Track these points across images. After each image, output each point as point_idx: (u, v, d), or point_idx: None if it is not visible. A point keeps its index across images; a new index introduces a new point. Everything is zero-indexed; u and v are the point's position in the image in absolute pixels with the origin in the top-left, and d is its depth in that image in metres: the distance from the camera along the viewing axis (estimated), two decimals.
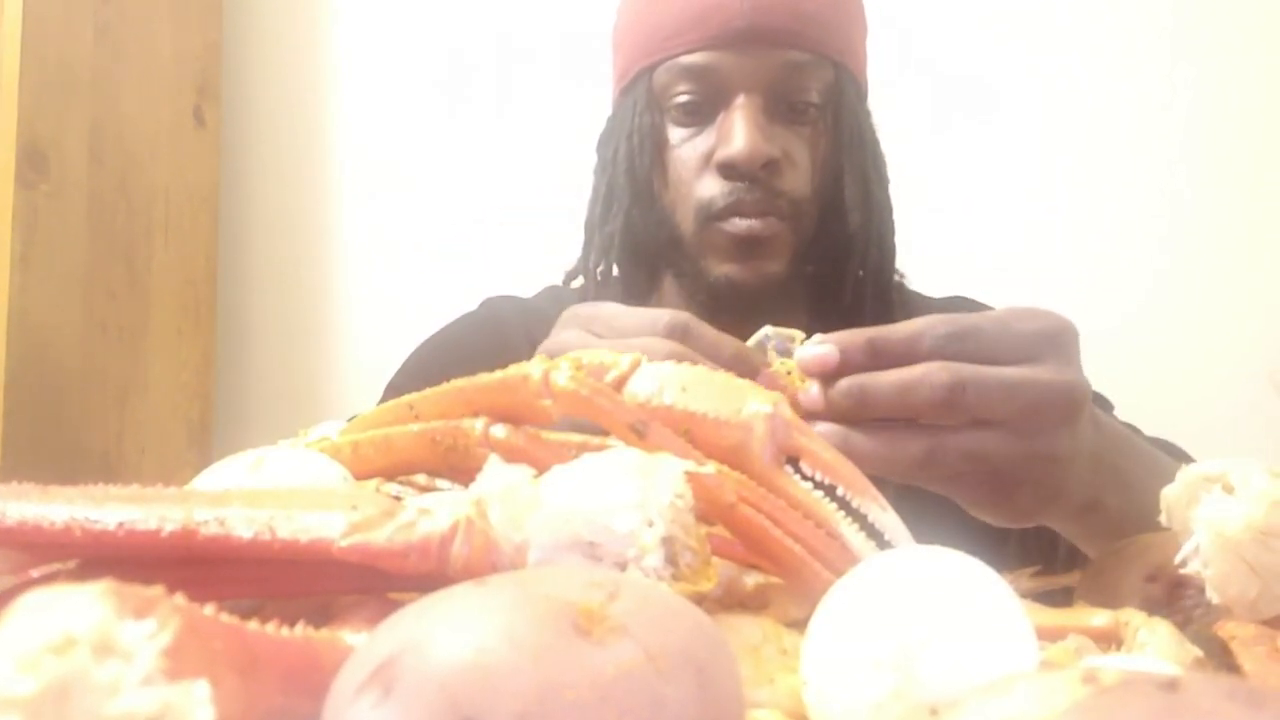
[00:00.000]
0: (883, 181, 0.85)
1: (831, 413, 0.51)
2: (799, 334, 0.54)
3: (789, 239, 0.79)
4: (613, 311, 0.57)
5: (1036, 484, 0.54)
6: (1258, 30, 1.37)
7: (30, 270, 1.36)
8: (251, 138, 1.74)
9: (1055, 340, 0.53)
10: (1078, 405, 0.52)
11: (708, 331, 0.54)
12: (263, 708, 0.21)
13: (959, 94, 1.46)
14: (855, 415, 0.50)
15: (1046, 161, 1.43)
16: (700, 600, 0.29)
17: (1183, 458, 0.62)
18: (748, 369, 0.53)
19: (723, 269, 0.78)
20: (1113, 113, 1.41)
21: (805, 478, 0.39)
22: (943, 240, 1.32)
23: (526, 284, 1.01)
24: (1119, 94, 1.41)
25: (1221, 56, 1.38)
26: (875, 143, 0.86)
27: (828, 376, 0.50)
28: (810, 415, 0.51)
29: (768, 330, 0.54)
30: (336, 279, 1.68)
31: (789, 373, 0.52)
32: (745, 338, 0.55)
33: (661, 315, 0.53)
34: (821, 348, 0.50)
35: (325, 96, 1.71)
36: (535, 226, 1.55)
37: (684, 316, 0.54)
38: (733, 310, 0.65)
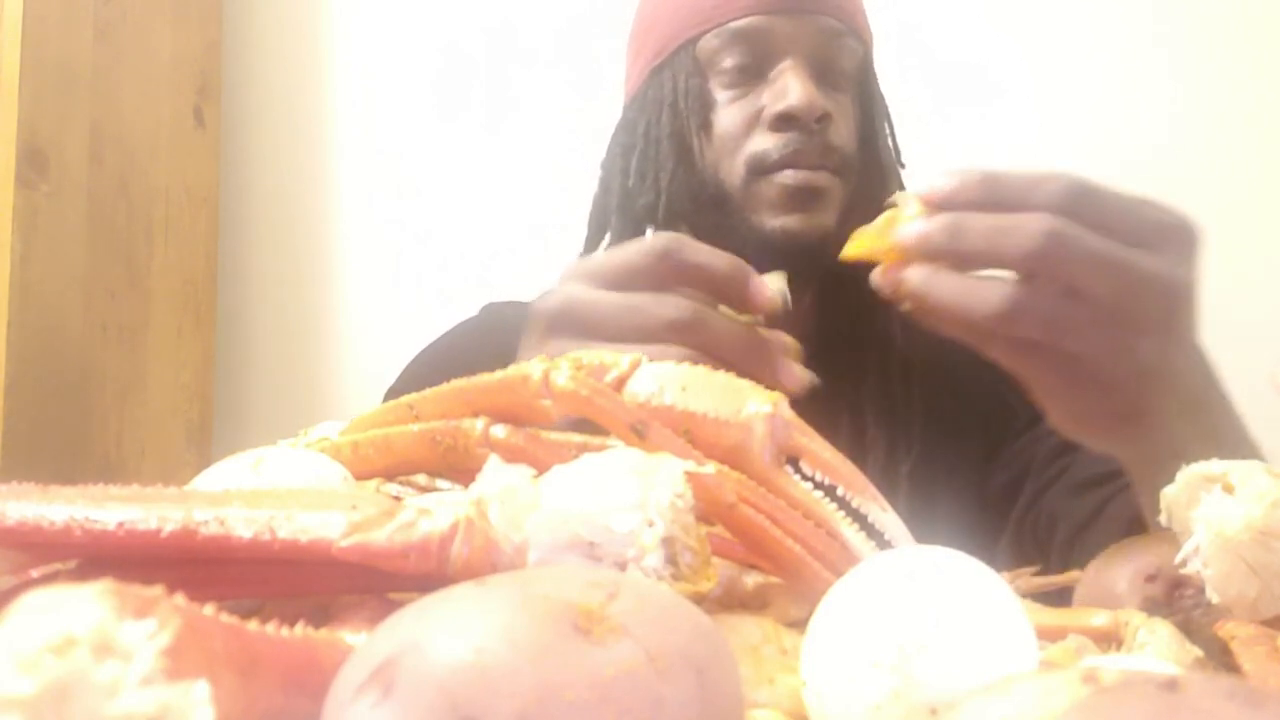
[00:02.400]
0: (900, 163, 0.88)
1: (926, 247, 0.50)
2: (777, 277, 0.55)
3: (839, 193, 0.80)
4: (606, 257, 0.57)
5: (1114, 387, 0.52)
6: (1258, 20, 1.37)
7: (30, 270, 1.36)
8: (251, 138, 1.74)
9: (1176, 235, 0.51)
10: (1175, 307, 0.51)
11: (698, 244, 0.54)
12: (263, 708, 0.21)
13: (956, 83, 1.46)
14: (950, 254, 0.50)
15: (1043, 154, 1.43)
16: (700, 600, 0.29)
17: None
18: (742, 281, 0.53)
19: (778, 221, 0.78)
20: (1109, 105, 1.41)
21: (805, 478, 0.39)
22: None
23: (526, 283, 1.00)
24: (1115, 85, 1.41)
25: (1223, 46, 1.38)
26: (893, 130, 0.88)
27: (943, 204, 0.50)
28: (908, 249, 0.50)
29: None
30: (336, 279, 1.68)
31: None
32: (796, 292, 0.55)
33: (651, 239, 0.54)
34: (946, 180, 0.50)
35: (325, 96, 1.71)
36: (535, 226, 1.55)
37: (671, 235, 0.54)
38: (785, 263, 0.65)
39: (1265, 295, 1.33)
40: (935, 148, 1.39)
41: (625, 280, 0.55)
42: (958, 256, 0.50)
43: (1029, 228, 0.48)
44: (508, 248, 1.58)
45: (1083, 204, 0.49)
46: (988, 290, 0.49)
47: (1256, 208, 1.36)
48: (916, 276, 0.50)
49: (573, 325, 0.55)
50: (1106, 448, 0.57)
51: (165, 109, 1.60)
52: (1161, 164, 1.38)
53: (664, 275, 0.54)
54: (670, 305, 0.52)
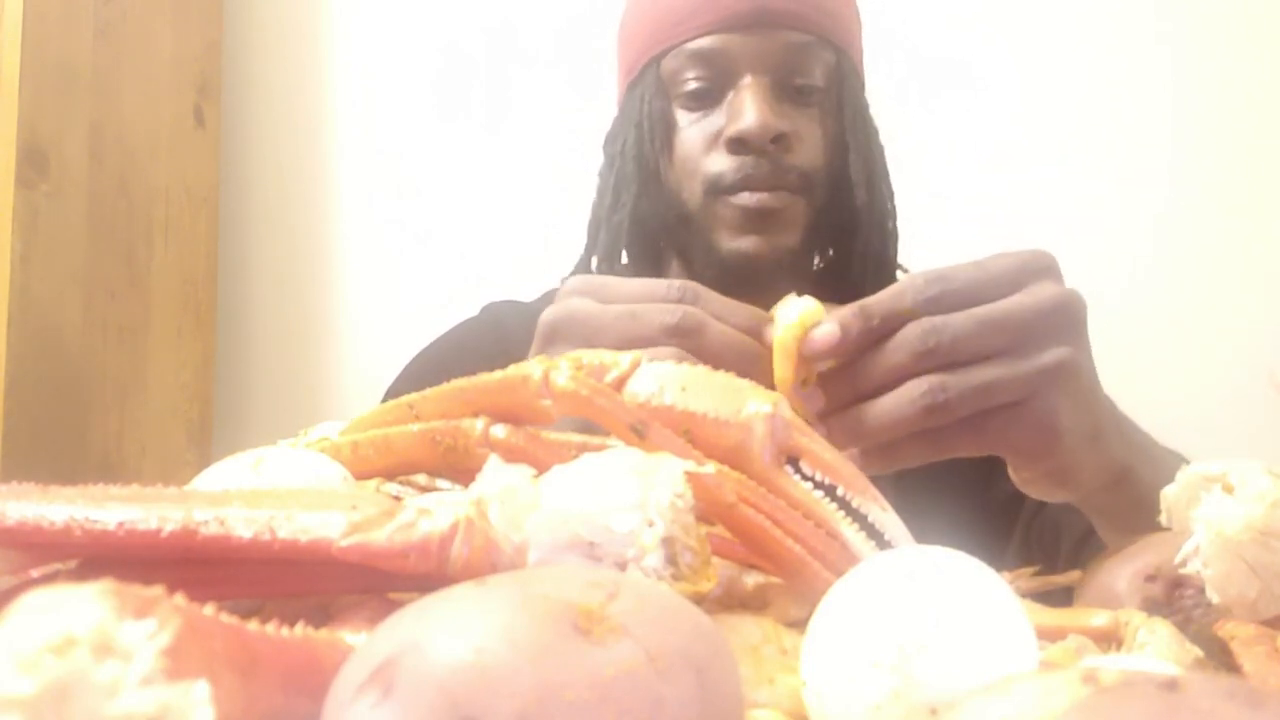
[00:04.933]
0: (884, 168, 0.87)
1: (835, 403, 0.53)
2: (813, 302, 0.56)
3: (801, 212, 0.79)
4: (618, 280, 0.58)
5: (1073, 407, 0.54)
6: (1243, 14, 1.37)
7: (30, 270, 1.36)
8: (251, 138, 1.74)
9: (1033, 267, 0.54)
10: (1073, 314, 0.54)
11: (716, 295, 0.55)
12: (263, 708, 0.21)
13: (941, 77, 1.46)
14: (858, 391, 0.53)
15: (1033, 152, 1.43)
16: (700, 600, 0.29)
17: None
18: (756, 330, 0.55)
19: (735, 243, 0.78)
20: (1102, 100, 1.41)
21: (805, 478, 0.39)
22: (926, 227, 1.31)
23: (526, 282, 1.00)
24: (1107, 80, 1.41)
25: (1210, 40, 1.38)
26: (876, 131, 0.87)
27: (837, 353, 0.53)
28: (819, 413, 0.54)
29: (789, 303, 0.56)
30: (336, 279, 1.68)
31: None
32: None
33: (671, 282, 0.55)
34: (825, 328, 0.52)
35: (325, 96, 1.71)
36: (535, 226, 1.55)
37: (691, 283, 0.55)
38: (745, 285, 0.65)
39: (1265, 295, 1.33)
40: (920, 142, 1.39)
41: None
42: (865, 389, 0.53)
43: (908, 340, 0.51)
44: (508, 248, 1.58)
45: (944, 291, 0.52)
46: (909, 393, 0.52)
47: (1255, 206, 1.35)
48: (846, 423, 0.53)
49: (573, 335, 0.56)
50: (1088, 475, 0.58)
51: (165, 109, 1.60)
52: (1157, 165, 1.38)
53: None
54: (669, 312, 0.53)
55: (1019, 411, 0.53)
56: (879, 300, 0.52)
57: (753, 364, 0.53)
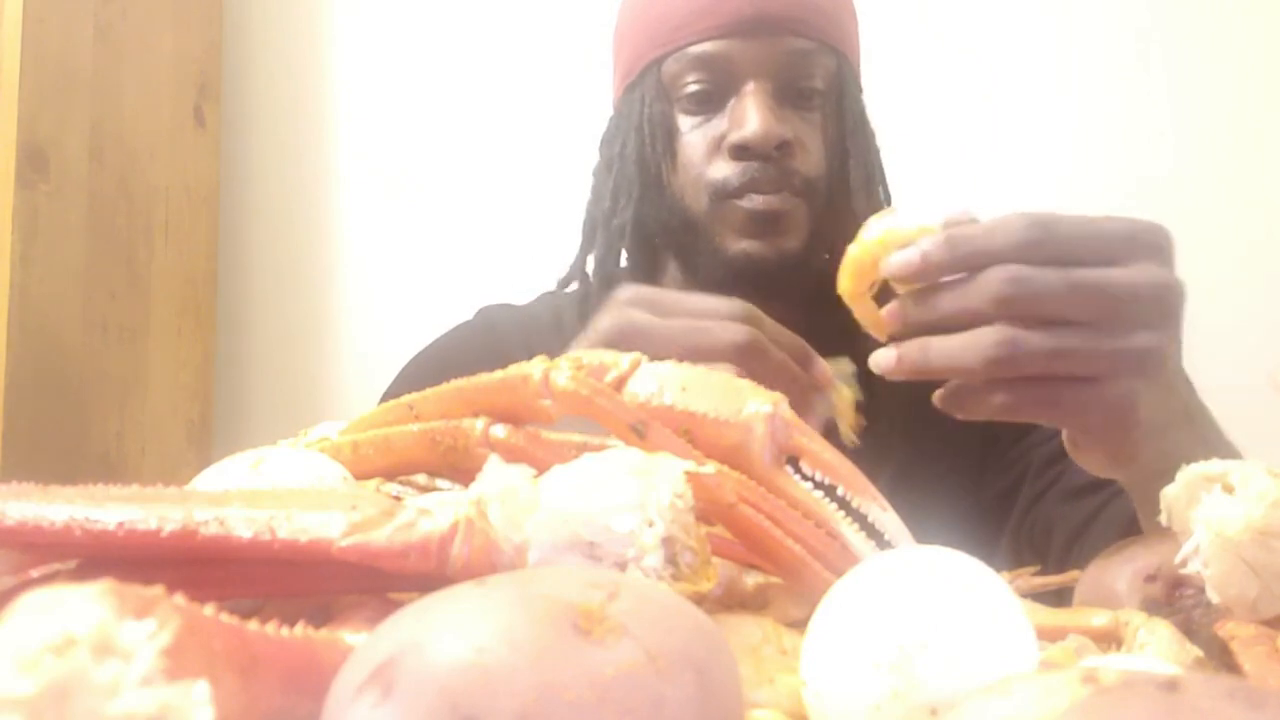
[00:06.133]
0: (882, 171, 0.87)
1: (908, 329, 0.52)
2: (845, 361, 0.58)
3: (804, 215, 0.79)
4: (677, 295, 0.58)
5: (1152, 397, 0.52)
6: (1259, 22, 1.37)
7: (30, 270, 1.36)
8: (251, 138, 1.74)
9: (1144, 241, 0.52)
10: (1170, 303, 0.52)
11: (769, 320, 0.56)
12: (263, 708, 0.21)
13: (940, 77, 1.46)
14: (926, 325, 0.52)
15: (1038, 154, 1.42)
16: (700, 600, 0.29)
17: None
18: (807, 359, 0.56)
19: (741, 245, 0.79)
20: (1102, 100, 1.41)
21: (805, 478, 0.39)
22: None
23: (525, 283, 1.00)
24: (1106, 79, 1.41)
25: (1218, 39, 1.38)
26: (873, 135, 0.87)
27: (914, 279, 0.51)
28: (892, 335, 0.53)
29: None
30: (336, 279, 1.68)
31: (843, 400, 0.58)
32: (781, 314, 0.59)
33: (733, 301, 0.56)
34: (906, 253, 0.51)
35: (325, 96, 1.71)
36: (534, 226, 1.55)
37: (748, 305, 0.56)
38: (750, 287, 0.65)
39: (1265, 295, 1.33)
40: (917, 142, 1.39)
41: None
42: (938, 322, 0.51)
43: (990, 281, 0.49)
44: (508, 248, 1.58)
45: (1042, 240, 0.50)
46: (981, 337, 0.50)
47: (1256, 208, 1.35)
48: (912, 352, 0.52)
49: (638, 347, 0.56)
50: (1148, 460, 0.56)
51: (165, 109, 1.60)
52: (1158, 165, 1.38)
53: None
54: (737, 330, 0.54)
55: (1098, 391, 0.51)
56: (969, 235, 0.51)
57: (801, 397, 0.53)
